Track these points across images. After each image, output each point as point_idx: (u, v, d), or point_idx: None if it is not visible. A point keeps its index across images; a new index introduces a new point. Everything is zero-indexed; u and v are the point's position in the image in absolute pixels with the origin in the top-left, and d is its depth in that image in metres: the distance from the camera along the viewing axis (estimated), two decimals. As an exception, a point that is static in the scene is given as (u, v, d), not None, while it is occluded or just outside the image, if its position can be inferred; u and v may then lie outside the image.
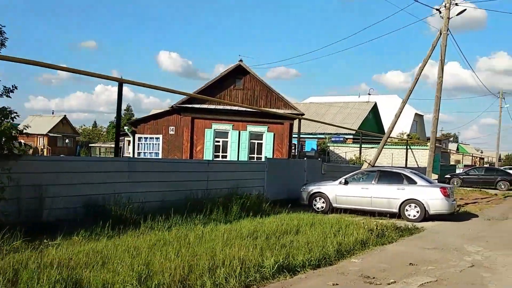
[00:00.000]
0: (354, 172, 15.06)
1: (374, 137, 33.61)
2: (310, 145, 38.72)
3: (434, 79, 18.36)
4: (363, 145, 32.42)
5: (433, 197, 13.25)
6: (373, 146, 33.36)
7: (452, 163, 55.49)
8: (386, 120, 40.03)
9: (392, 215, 13.58)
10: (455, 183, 32.47)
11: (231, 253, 7.15)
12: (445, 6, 17.55)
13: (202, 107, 24.25)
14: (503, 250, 9.23)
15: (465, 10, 17.68)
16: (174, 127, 25.24)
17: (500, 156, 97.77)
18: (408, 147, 33.25)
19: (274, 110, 23.58)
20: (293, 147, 33.10)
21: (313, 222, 10.83)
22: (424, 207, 13.16)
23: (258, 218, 11.17)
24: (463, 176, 33.88)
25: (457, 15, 17.68)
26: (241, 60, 24.44)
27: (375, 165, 20.00)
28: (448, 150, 61.37)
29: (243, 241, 8.25)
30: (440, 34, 17.65)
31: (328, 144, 36.37)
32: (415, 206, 13.29)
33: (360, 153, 28.04)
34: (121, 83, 10.83)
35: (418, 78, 18.89)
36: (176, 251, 7.13)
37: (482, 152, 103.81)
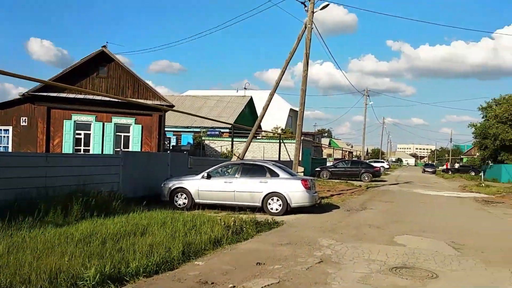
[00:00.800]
0: (218, 166, 14.36)
1: (249, 130, 33.63)
2: (187, 139, 37.70)
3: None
4: (239, 139, 32.30)
5: (294, 190, 13.07)
6: (248, 140, 33.34)
7: (324, 156, 58.68)
8: (262, 115, 40.40)
9: (256, 209, 13.17)
10: (325, 176, 33.92)
11: (44, 264, 5.89)
12: (309, 0, 17.72)
13: (60, 95, 21.84)
14: (354, 242, 9.16)
15: (328, 5, 18.08)
16: (26, 118, 22.32)
17: (367, 150, 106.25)
18: (281, 141, 33.88)
19: (141, 100, 22.05)
20: (167, 141, 31.83)
21: (165, 221, 9.84)
22: (286, 200, 12.92)
23: (103, 218, 9.86)
24: (332, 169, 35.56)
25: (321, 9, 18.00)
26: (104, 46, 22.43)
27: (244, 158, 19.63)
28: (321, 145, 64.68)
29: (69, 247, 6.99)
30: (305, 27, 17.79)
31: (204, 138, 35.65)
32: (278, 199, 13.01)
33: (232, 147, 27.76)
34: None
35: (284, 71, 18.95)
36: (-33, 266, 5.66)
37: (352, 147, 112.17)
